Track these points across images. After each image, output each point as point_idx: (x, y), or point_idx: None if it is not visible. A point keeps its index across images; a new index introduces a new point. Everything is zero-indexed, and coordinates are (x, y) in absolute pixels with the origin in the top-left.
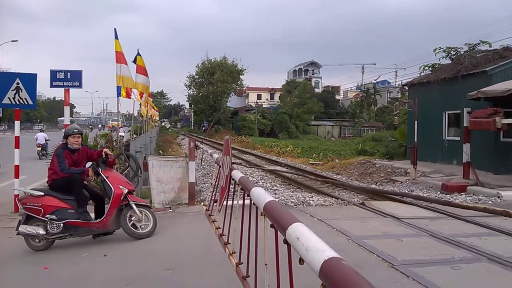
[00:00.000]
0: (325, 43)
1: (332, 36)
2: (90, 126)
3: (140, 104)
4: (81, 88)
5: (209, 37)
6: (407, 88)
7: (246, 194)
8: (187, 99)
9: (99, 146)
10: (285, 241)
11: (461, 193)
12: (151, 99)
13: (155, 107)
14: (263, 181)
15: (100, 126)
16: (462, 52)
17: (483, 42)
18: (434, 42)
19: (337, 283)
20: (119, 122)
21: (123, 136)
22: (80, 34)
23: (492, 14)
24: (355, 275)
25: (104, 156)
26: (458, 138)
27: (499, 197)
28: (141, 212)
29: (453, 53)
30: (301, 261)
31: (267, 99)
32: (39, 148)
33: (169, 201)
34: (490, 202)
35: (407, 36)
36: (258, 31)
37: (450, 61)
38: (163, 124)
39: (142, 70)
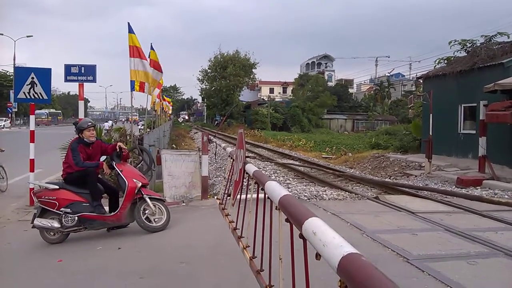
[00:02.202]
0: (339, 35)
1: (346, 28)
2: (115, 119)
3: (153, 97)
4: (95, 82)
5: (223, 29)
6: (421, 81)
7: (260, 188)
8: (199, 93)
9: (113, 140)
10: (301, 236)
11: (477, 187)
12: (163, 93)
13: (169, 101)
14: (276, 175)
15: (123, 119)
16: (478, 44)
17: (500, 34)
18: (449, 33)
19: (357, 279)
20: (137, 116)
21: (142, 130)
22: (95, 28)
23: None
24: (375, 272)
25: (118, 150)
26: (474, 132)
27: None
28: (154, 206)
29: (468, 45)
30: (318, 256)
31: (279, 92)
32: None
33: (180, 196)
34: (506, 196)
35: (422, 28)
36: (272, 22)
37: (466, 54)
38: (181, 117)
39: (154, 64)
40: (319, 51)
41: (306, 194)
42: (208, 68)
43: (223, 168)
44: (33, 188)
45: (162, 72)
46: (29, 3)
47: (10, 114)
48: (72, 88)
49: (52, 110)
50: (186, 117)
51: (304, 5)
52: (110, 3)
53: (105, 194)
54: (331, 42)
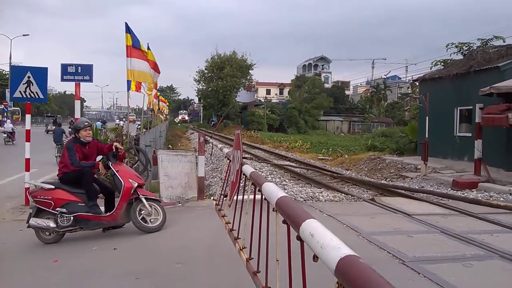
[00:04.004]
0: (336, 37)
1: (343, 30)
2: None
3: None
4: (92, 82)
5: (219, 30)
6: (418, 84)
7: (257, 189)
8: (196, 94)
9: (109, 140)
10: (298, 238)
11: (472, 190)
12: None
13: (165, 100)
14: (272, 176)
15: (124, 119)
16: (475, 48)
17: (496, 37)
18: (446, 37)
19: (354, 282)
20: (134, 116)
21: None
22: (92, 27)
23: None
24: (373, 274)
25: (114, 150)
26: (470, 134)
27: (511, 193)
28: (150, 206)
29: (465, 48)
30: (315, 258)
31: (276, 94)
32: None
33: (176, 196)
34: (501, 199)
35: (420, 31)
36: (269, 25)
37: (462, 57)
38: (179, 116)
39: (152, 65)
40: (316, 52)
41: (302, 196)
42: (205, 69)
43: (220, 168)
44: (28, 188)
45: (159, 72)
46: (27, 2)
47: (5, 113)
48: (68, 87)
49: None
50: (186, 117)
51: (303, 8)
52: (108, 1)
53: (101, 194)
54: (328, 44)
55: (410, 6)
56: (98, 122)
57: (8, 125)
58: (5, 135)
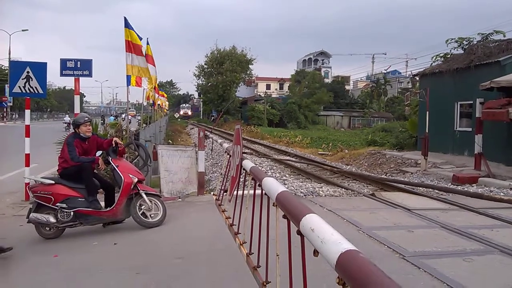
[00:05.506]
0: (336, 32)
1: (343, 25)
2: (121, 114)
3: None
4: (91, 77)
5: (223, 27)
6: (418, 78)
7: (257, 184)
8: (196, 89)
9: (109, 135)
10: (299, 232)
11: (473, 185)
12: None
13: (164, 94)
14: (272, 171)
15: (124, 115)
16: (475, 42)
17: (497, 32)
18: (446, 32)
19: (355, 276)
20: (134, 111)
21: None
22: (92, 22)
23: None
24: (373, 268)
25: (114, 145)
26: (470, 129)
27: (511, 188)
28: (150, 201)
29: (465, 43)
30: (316, 252)
31: (276, 89)
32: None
33: (177, 191)
34: (502, 193)
35: (420, 26)
36: (269, 21)
37: (462, 52)
38: (181, 111)
39: (150, 60)
40: (316, 47)
41: (302, 191)
42: (205, 64)
43: (220, 164)
44: (28, 183)
45: (155, 66)
46: None
47: (5, 109)
48: (68, 82)
49: None
50: (189, 112)
51: (303, 7)
52: None
53: (101, 189)
54: (328, 38)
55: (411, 3)
56: (111, 117)
57: (67, 118)
58: (66, 124)
